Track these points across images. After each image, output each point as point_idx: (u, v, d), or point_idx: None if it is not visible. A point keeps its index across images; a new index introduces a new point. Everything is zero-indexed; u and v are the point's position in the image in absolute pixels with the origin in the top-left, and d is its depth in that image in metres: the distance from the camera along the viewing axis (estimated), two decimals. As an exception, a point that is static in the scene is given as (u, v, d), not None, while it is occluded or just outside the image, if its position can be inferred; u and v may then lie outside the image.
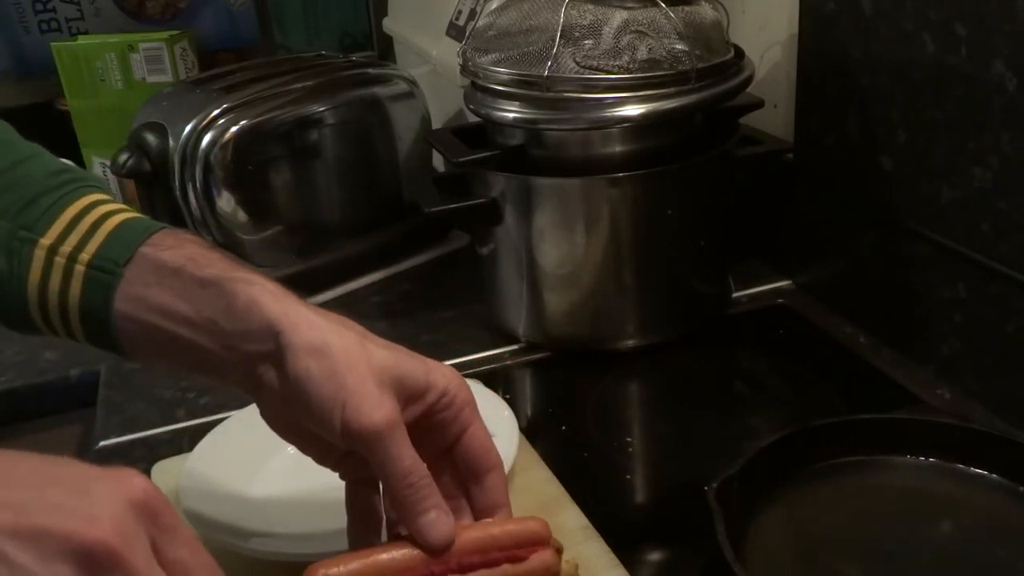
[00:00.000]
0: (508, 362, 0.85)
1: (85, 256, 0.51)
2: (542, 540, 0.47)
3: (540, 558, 0.47)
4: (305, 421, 0.46)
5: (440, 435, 0.49)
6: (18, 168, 0.54)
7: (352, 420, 0.44)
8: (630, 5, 0.77)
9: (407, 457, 0.45)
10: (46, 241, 0.51)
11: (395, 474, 0.44)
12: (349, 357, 0.45)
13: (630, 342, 0.84)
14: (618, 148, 0.80)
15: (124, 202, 1.28)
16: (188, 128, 0.90)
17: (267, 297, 0.47)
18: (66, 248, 0.51)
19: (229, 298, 0.47)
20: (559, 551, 0.49)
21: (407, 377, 0.47)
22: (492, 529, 0.47)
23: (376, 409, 0.44)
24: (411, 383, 0.47)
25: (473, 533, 0.47)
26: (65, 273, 0.51)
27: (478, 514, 0.49)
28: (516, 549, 0.46)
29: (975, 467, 0.62)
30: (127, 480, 0.37)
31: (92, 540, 0.34)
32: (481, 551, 0.46)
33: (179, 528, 0.38)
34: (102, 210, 0.52)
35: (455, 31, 1.05)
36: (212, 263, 0.50)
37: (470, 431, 0.49)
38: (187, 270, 0.49)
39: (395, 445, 0.44)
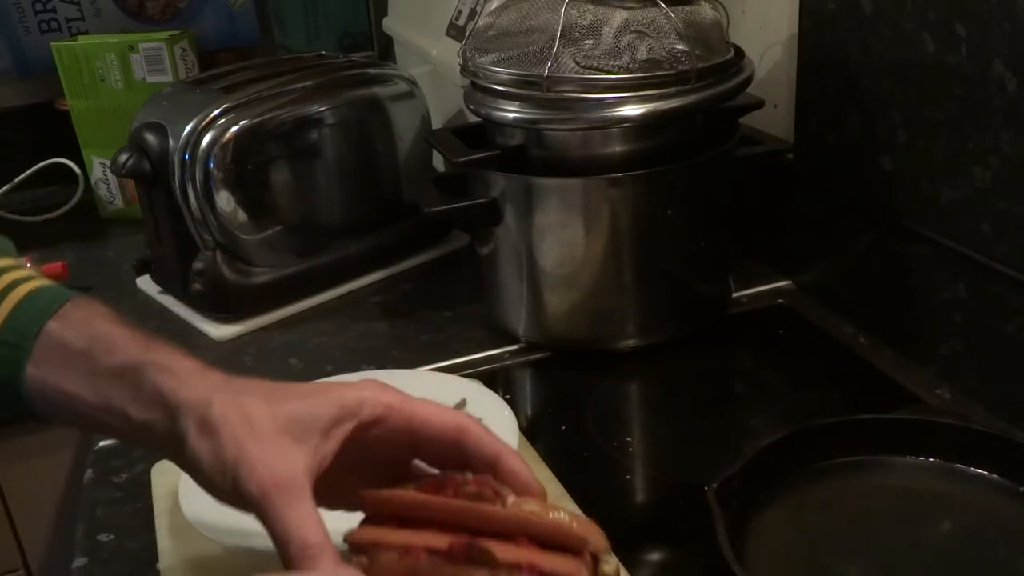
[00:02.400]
0: (508, 362, 0.85)
1: (21, 290, 0.49)
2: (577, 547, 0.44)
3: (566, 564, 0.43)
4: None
5: (425, 445, 0.47)
6: None
7: (243, 490, 0.42)
8: (630, 5, 0.77)
9: (296, 517, 0.41)
10: None
11: (284, 538, 0.41)
12: (237, 428, 0.43)
13: (630, 342, 0.84)
14: (618, 148, 0.80)
15: (124, 202, 1.28)
16: (188, 128, 0.90)
17: (172, 383, 0.46)
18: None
19: (134, 389, 0.46)
20: (597, 560, 0.45)
21: (312, 416, 0.44)
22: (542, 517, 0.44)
23: (258, 473, 0.42)
24: (319, 419, 0.44)
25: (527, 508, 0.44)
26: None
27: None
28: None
29: (975, 467, 0.62)
30: None
31: None
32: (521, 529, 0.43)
33: None
34: (7, 279, 0.50)
35: (455, 31, 1.05)
36: (117, 346, 0.48)
37: (414, 424, 0.46)
38: (92, 354, 0.48)
39: (285, 506, 0.41)
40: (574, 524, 0.43)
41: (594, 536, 0.44)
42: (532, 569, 0.41)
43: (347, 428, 0.45)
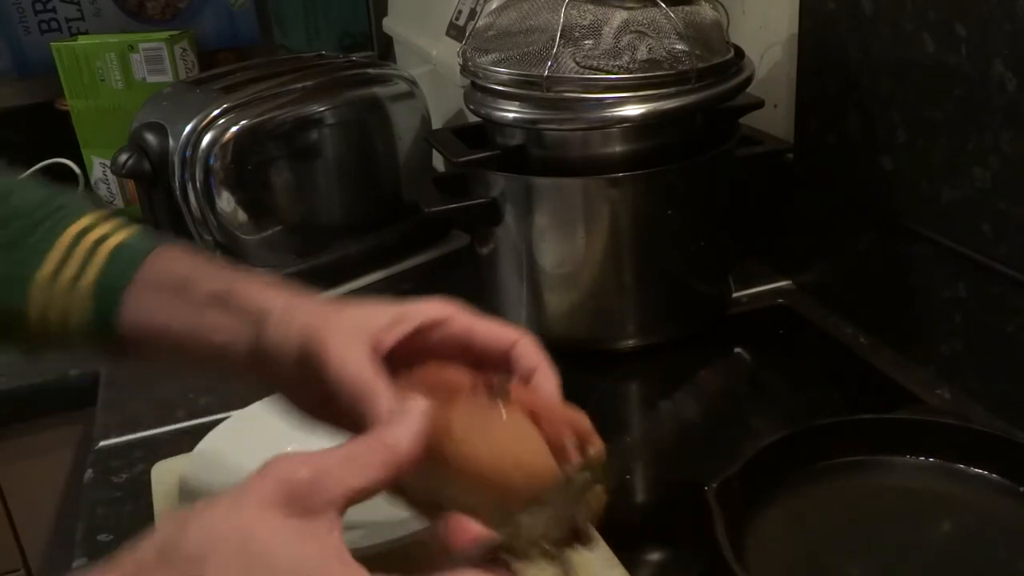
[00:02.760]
0: (508, 362, 0.85)
1: (83, 288, 0.52)
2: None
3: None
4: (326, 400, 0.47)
5: (457, 349, 0.49)
6: (6, 203, 0.55)
7: (325, 375, 0.45)
8: (630, 5, 0.77)
9: (377, 384, 0.45)
10: (42, 277, 0.52)
11: (371, 402, 0.44)
12: (315, 321, 0.47)
13: (630, 342, 0.84)
14: (618, 148, 0.80)
15: (124, 202, 1.28)
16: (188, 128, 0.90)
17: (257, 297, 0.50)
18: (62, 281, 0.52)
19: (221, 310, 0.50)
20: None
21: (376, 316, 0.48)
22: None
23: (336, 357, 0.45)
24: (381, 317, 0.48)
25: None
26: (62, 306, 0.52)
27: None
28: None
29: (975, 467, 0.62)
30: None
31: None
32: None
33: None
34: (93, 237, 0.54)
35: (455, 31, 1.05)
36: (204, 279, 0.52)
37: (472, 332, 0.50)
38: (182, 289, 0.52)
39: (367, 381, 0.45)
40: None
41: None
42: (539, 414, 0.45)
43: (405, 328, 0.48)
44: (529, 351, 0.49)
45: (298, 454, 0.37)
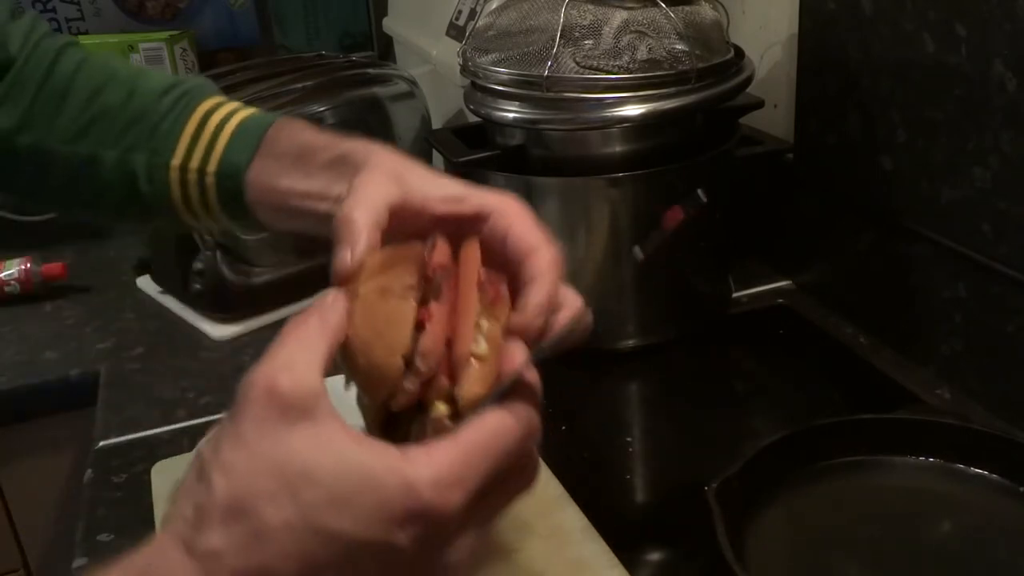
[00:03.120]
0: (508, 362, 0.85)
1: (211, 168, 0.58)
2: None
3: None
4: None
5: (497, 243, 0.50)
6: (133, 99, 0.61)
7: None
8: (630, 5, 0.77)
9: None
10: (175, 162, 0.59)
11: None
12: (372, 165, 0.50)
13: (630, 342, 0.84)
14: (618, 148, 0.80)
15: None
16: (188, 128, 0.90)
17: (363, 155, 0.52)
18: (193, 165, 0.58)
19: (336, 171, 0.54)
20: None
21: (443, 192, 0.51)
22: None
23: (354, 195, 0.48)
24: (444, 195, 0.51)
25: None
26: (199, 186, 0.59)
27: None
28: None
29: (975, 467, 0.62)
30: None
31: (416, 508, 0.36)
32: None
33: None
34: (216, 119, 0.59)
35: (455, 31, 1.05)
36: (326, 143, 0.56)
37: (509, 231, 0.50)
38: (307, 156, 0.56)
39: (351, 231, 0.46)
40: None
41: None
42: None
43: (462, 208, 0.50)
44: (538, 264, 0.48)
45: (259, 368, 0.38)
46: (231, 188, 0.58)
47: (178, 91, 0.61)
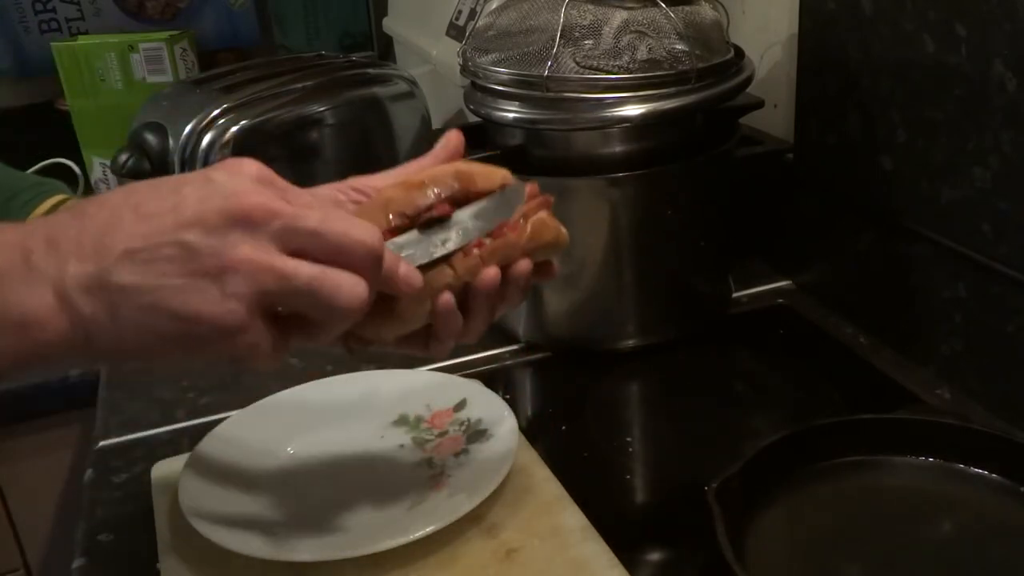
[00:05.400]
0: (508, 362, 0.85)
1: None
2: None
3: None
4: None
5: None
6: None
7: None
8: (630, 5, 0.77)
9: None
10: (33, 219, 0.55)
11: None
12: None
13: (630, 342, 0.84)
14: (618, 148, 0.80)
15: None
16: (188, 128, 0.90)
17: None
18: None
19: None
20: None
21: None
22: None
23: None
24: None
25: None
26: None
27: None
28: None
29: (975, 467, 0.62)
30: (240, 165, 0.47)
31: (248, 206, 0.43)
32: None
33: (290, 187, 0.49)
34: (77, 199, 0.58)
35: (455, 31, 1.05)
36: None
37: None
38: None
39: None
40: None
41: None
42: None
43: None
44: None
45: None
46: None
47: (39, 179, 0.61)
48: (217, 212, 0.43)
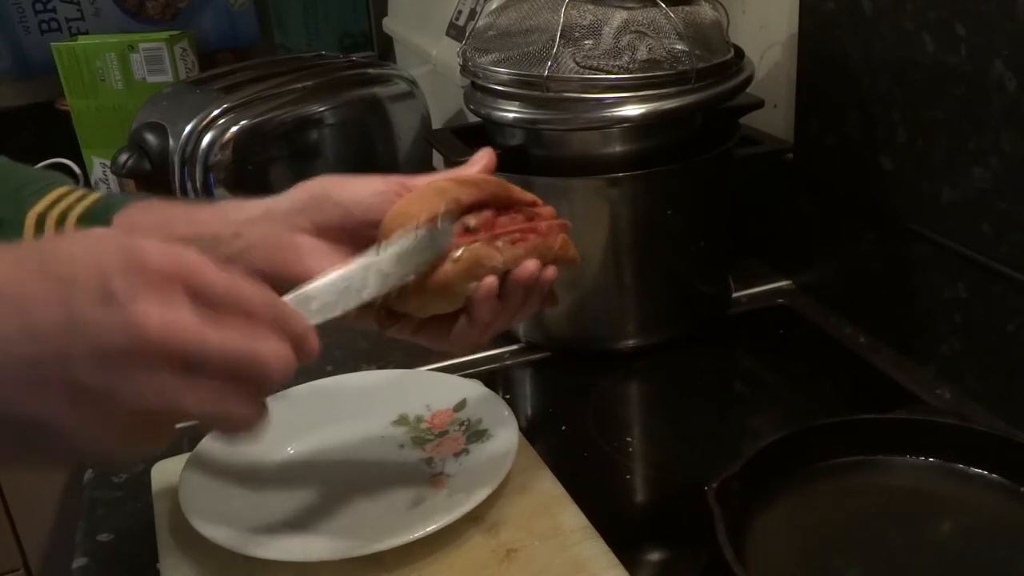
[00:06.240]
0: (508, 362, 0.85)
1: (75, 213, 0.55)
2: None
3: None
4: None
5: None
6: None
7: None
8: (630, 5, 0.77)
9: None
10: (34, 212, 0.55)
11: None
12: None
13: (630, 342, 0.84)
14: (618, 148, 0.80)
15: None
16: (188, 128, 0.90)
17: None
18: (55, 212, 0.55)
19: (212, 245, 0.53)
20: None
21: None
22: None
23: None
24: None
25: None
26: (57, 227, 0.55)
27: None
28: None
29: (975, 467, 0.62)
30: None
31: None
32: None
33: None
34: (81, 191, 0.57)
35: (455, 31, 1.05)
36: (186, 218, 0.56)
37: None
38: (179, 207, 0.57)
39: None
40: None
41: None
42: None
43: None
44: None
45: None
46: (97, 221, 0.56)
47: (44, 172, 0.59)
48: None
